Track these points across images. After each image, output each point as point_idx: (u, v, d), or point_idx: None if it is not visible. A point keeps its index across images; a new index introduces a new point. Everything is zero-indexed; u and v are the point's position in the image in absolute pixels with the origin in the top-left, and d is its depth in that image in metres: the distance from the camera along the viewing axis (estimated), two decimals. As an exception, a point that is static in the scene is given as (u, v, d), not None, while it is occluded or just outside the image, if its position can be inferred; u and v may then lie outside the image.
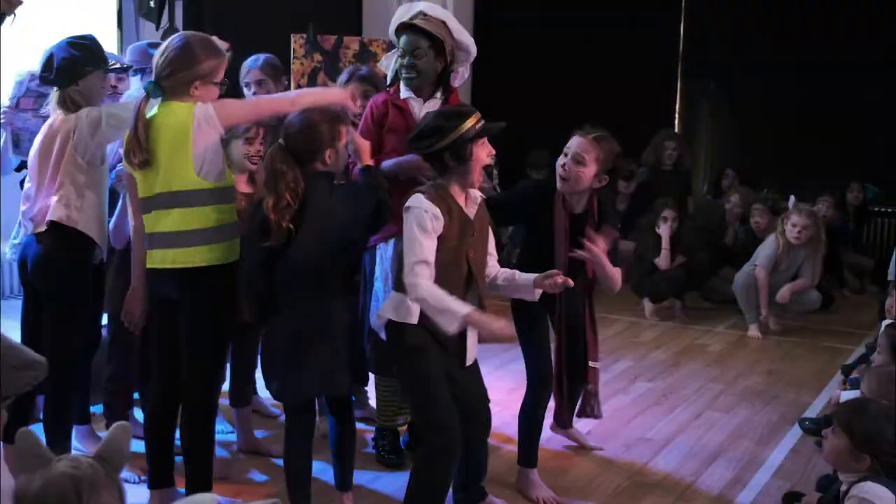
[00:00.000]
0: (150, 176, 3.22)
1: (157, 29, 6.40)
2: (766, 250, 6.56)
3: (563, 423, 4.31)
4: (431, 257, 3.05)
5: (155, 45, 4.53)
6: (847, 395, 4.38)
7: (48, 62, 3.59)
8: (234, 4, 7.06)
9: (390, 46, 6.15)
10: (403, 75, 3.82)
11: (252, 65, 4.43)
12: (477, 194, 3.27)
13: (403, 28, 3.79)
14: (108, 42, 6.32)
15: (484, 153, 3.17)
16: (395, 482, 3.87)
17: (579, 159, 3.62)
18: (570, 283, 3.25)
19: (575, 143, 3.66)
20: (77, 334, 3.65)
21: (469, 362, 3.34)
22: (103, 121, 3.52)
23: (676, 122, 9.01)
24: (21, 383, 2.11)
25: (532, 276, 3.30)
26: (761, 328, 6.56)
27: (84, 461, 1.85)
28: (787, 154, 8.24)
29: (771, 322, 6.65)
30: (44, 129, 3.64)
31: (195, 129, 3.16)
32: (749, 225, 7.36)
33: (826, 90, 8.14)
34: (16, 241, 4.38)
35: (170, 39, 3.30)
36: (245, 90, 4.42)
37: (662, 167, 7.79)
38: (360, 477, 3.91)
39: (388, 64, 4.00)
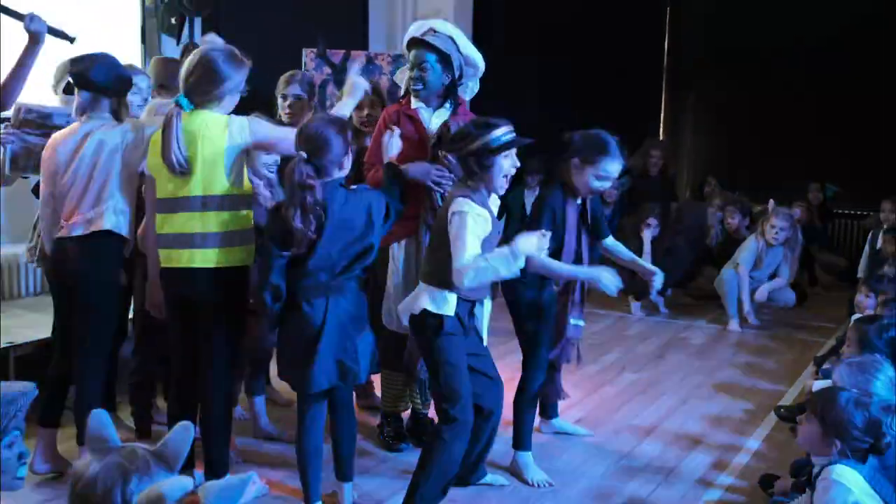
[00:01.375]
0: (180, 179, 3.21)
1: (178, 44, 6.41)
2: (747, 250, 6.59)
3: (548, 415, 4.35)
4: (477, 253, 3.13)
5: (172, 60, 4.54)
6: (819, 384, 4.36)
7: (105, 71, 3.52)
8: (249, 21, 7.06)
9: (395, 60, 6.19)
10: (412, 87, 3.84)
11: (292, 80, 4.34)
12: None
13: (413, 43, 3.82)
14: (133, 56, 6.32)
15: (507, 163, 3.23)
16: (399, 464, 3.90)
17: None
18: None
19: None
20: (111, 331, 3.66)
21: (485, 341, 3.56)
22: (147, 134, 3.48)
23: (661, 131, 9.02)
24: (9, 417, 2.10)
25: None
26: (740, 323, 6.57)
27: (141, 455, 1.82)
28: (760, 159, 8.27)
29: (749, 317, 6.66)
30: (80, 137, 3.52)
31: (229, 141, 3.19)
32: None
33: (792, 100, 8.19)
34: (32, 245, 4.36)
35: (195, 56, 3.27)
36: (280, 101, 4.35)
37: (649, 173, 7.80)
38: (367, 460, 3.94)
39: (403, 77, 4.00)
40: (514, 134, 3.22)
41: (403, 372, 3.88)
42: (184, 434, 1.89)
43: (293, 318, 3.24)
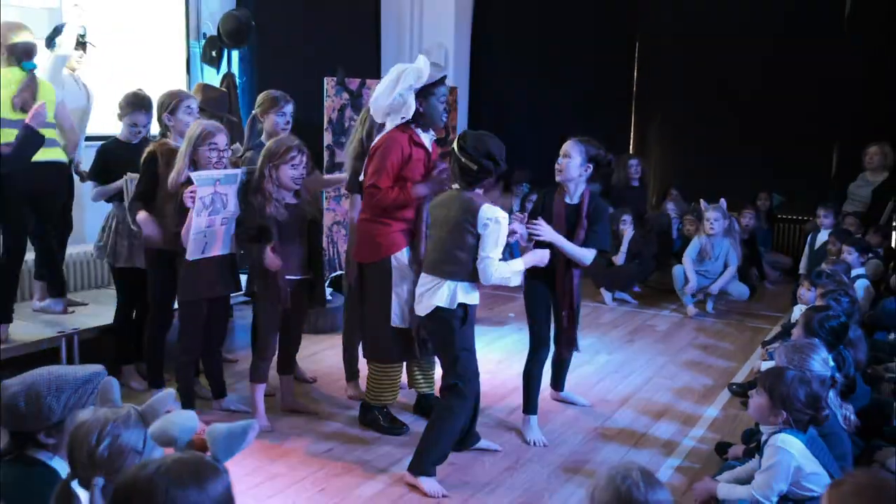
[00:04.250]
0: None
1: (218, 73, 6.44)
2: (690, 246, 6.67)
3: (557, 387, 4.42)
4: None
5: (211, 86, 4.55)
6: (766, 364, 4.37)
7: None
8: (278, 53, 7.06)
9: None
10: (444, 119, 3.79)
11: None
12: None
13: (443, 80, 3.76)
14: (178, 82, 6.33)
15: None
16: (398, 439, 3.90)
17: (565, 154, 3.80)
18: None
19: (564, 144, 3.85)
20: None
21: None
22: None
23: (631, 147, 9.00)
24: (86, 395, 2.13)
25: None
26: (698, 312, 6.56)
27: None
28: (716, 171, 8.26)
29: (707, 306, 6.67)
30: None
31: None
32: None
33: (744, 121, 8.19)
34: (101, 245, 4.38)
35: None
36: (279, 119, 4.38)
37: (630, 183, 7.72)
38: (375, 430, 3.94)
39: (409, 103, 3.69)
40: None
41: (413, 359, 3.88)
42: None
43: None
